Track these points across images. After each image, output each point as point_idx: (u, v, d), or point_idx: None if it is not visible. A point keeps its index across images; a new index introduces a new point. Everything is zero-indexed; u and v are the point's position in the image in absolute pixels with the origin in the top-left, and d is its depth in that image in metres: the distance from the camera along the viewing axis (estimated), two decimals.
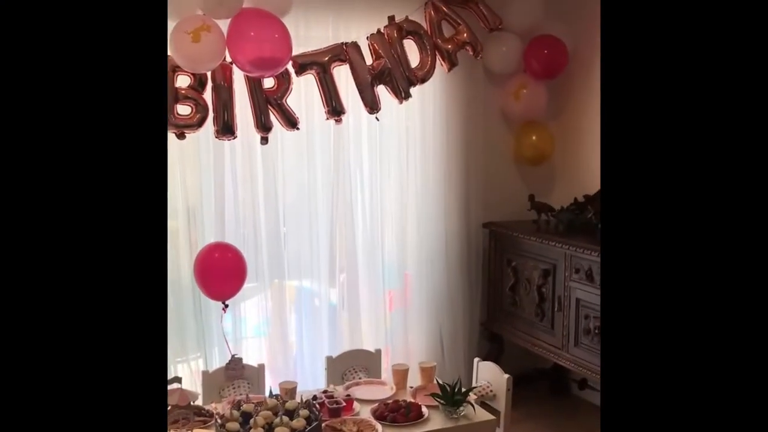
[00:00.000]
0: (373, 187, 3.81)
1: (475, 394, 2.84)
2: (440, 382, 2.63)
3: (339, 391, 2.79)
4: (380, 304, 3.88)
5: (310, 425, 2.35)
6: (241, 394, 2.81)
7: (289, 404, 2.47)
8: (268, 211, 3.57)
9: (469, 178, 4.00)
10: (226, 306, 3.01)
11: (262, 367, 2.99)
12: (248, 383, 2.91)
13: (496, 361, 4.12)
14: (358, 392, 2.80)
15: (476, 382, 3.01)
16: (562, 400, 4.13)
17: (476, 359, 3.04)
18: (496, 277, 4.00)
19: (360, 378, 3.06)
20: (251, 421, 2.33)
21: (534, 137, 4.05)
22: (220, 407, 2.61)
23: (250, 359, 3.44)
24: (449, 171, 3.95)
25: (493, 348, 4.11)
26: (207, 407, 2.60)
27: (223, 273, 2.97)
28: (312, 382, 3.62)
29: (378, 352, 3.20)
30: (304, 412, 2.41)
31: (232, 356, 2.91)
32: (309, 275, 3.72)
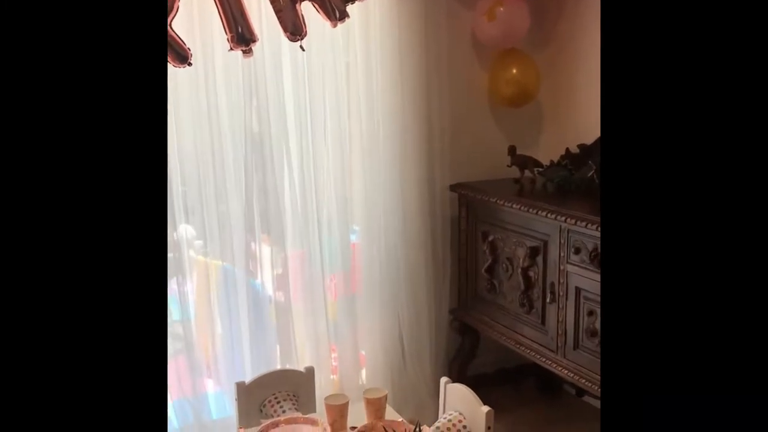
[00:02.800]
0: (303, 144, 2.98)
1: (441, 430, 2.10)
2: None
3: None
4: (319, 292, 3.10)
5: None
6: None
7: None
8: None
9: (430, 127, 3.19)
10: None
11: None
12: None
13: (469, 358, 3.44)
14: None
15: (444, 410, 2.26)
16: (554, 402, 3.45)
17: (444, 380, 2.29)
18: (468, 254, 3.24)
19: (283, 410, 2.29)
20: None
21: (514, 71, 3.24)
22: None
23: None
24: (404, 118, 3.13)
25: (465, 343, 3.39)
26: None
27: None
28: (224, 407, 2.87)
29: (310, 371, 2.43)
30: None
31: None
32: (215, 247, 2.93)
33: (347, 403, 2.12)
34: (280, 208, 2.95)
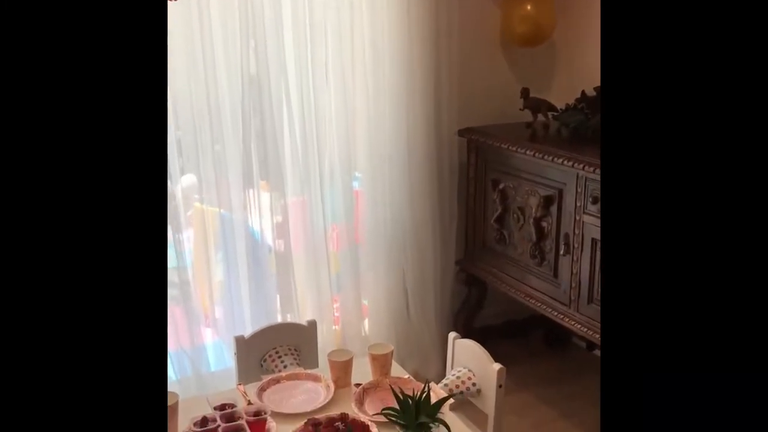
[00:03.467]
0: (303, 86, 2.83)
1: (450, 387, 2.02)
2: (397, 392, 1.77)
3: (250, 396, 1.94)
4: (320, 242, 2.99)
5: None
6: None
7: None
8: None
9: (439, 67, 3.02)
10: None
11: None
12: None
13: (475, 310, 3.36)
14: (276, 396, 1.96)
15: (452, 367, 2.18)
16: (563, 355, 3.39)
17: (452, 335, 2.20)
18: (477, 203, 3.11)
19: (284, 365, 2.21)
20: None
21: (528, 7, 3.05)
22: None
23: None
24: (411, 58, 2.96)
25: (472, 294, 3.30)
26: None
27: None
28: (223, 359, 2.79)
29: (312, 324, 2.34)
30: None
31: None
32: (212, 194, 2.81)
33: (351, 359, 2.03)
34: (279, 154, 2.81)
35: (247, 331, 2.84)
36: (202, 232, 2.83)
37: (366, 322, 3.27)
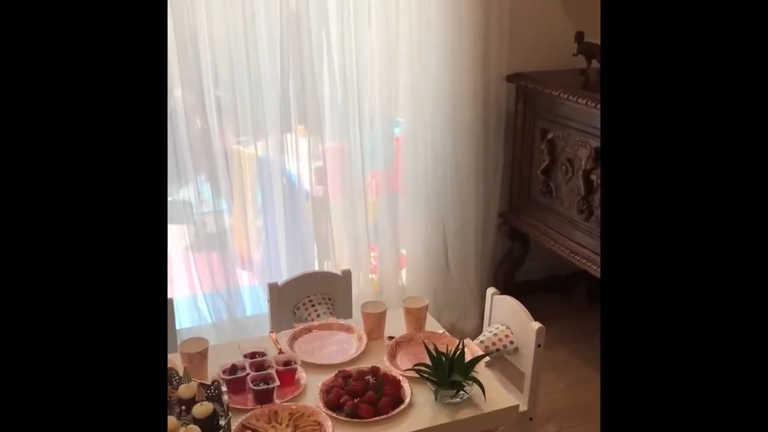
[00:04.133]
0: (344, 27, 2.72)
1: (486, 345, 1.97)
2: (430, 348, 1.73)
3: (282, 345, 1.93)
4: (359, 189, 2.92)
5: (212, 427, 1.51)
6: None
7: (184, 390, 1.61)
8: (186, 56, 2.50)
9: (488, 8, 2.87)
10: None
11: (168, 304, 2.10)
12: None
13: (517, 264, 3.27)
14: (307, 346, 1.94)
15: (489, 323, 2.12)
16: None
17: (490, 290, 2.13)
18: (523, 153, 3.00)
19: (317, 314, 2.19)
20: None
21: None
22: None
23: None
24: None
25: (514, 248, 3.21)
26: None
27: None
28: (258, 304, 2.79)
29: (347, 274, 2.30)
30: (204, 407, 1.54)
31: None
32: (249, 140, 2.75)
33: (385, 311, 1.99)
34: (318, 97, 2.73)
35: (283, 277, 2.83)
36: (239, 175, 2.79)
37: (404, 272, 3.22)
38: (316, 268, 2.93)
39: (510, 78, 2.98)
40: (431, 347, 1.72)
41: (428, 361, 1.75)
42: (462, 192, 3.08)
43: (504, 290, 2.14)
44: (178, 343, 2.09)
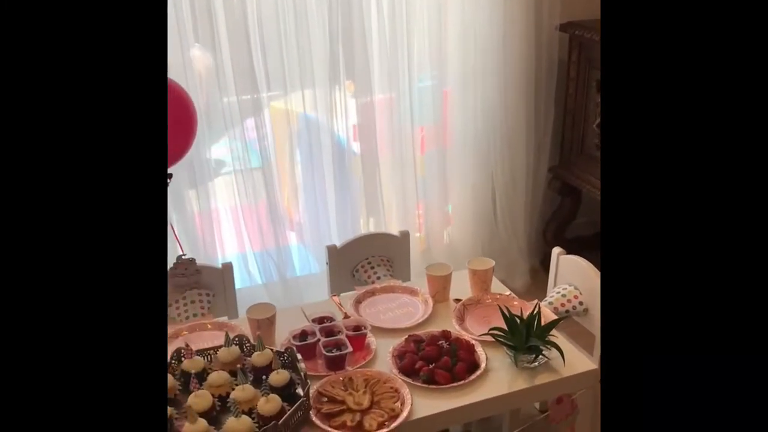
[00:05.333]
0: None
1: (555, 306, 1.94)
2: (505, 310, 1.70)
3: (346, 308, 1.91)
4: (407, 144, 2.87)
5: (290, 399, 1.50)
6: (195, 314, 1.95)
7: (258, 357, 1.60)
8: (231, 5, 2.43)
9: None
10: (169, 176, 2.04)
11: (227, 268, 2.09)
12: (207, 294, 2.03)
13: (567, 220, 3.22)
14: (372, 309, 1.93)
15: (555, 284, 2.09)
16: None
17: (556, 250, 2.09)
18: (577, 106, 2.91)
19: (377, 277, 2.17)
20: (189, 400, 1.47)
21: None
22: None
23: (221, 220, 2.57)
24: None
25: (565, 203, 3.15)
26: None
27: None
28: (307, 264, 2.77)
29: (405, 235, 2.27)
30: (281, 375, 1.54)
31: (179, 256, 2.00)
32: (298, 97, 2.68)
33: (450, 273, 1.96)
34: (366, 51, 2.65)
35: (332, 236, 2.81)
36: (285, 131, 2.74)
37: (450, 229, 3.19)
38: (362, 226, 2.91)
39: (563, 27, 2.87)
40: (505, 310, 1.70)
41: (498, 325, 1.74)
42: (512, 146, 3.01)
43: (553, 247, 2.10)
44: (238, 307, 2.10)
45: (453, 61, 2.85)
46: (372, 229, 2.88)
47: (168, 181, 2.02)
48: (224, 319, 2.06)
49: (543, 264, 3.30)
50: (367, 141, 2.82)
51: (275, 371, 1.54)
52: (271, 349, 1.63)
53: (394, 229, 2.92)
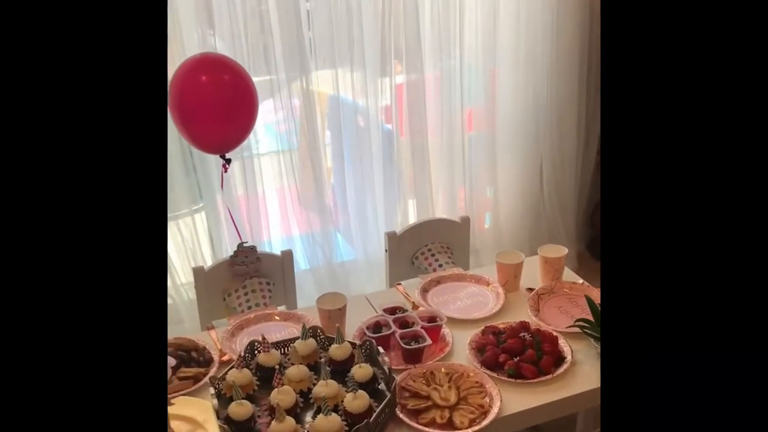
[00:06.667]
0: None
1: None
2: (591, 300, 1.64)
3: (414, 298, 1.86)
4: (456, 126, 2.80)
5: (373, 395, 1.45)
6: (256, 304, 1.90)
7: (337, 350, 1.55)
8: None
9: None
10: (228, 162, 1.98)
11: (287, 256, 2.04)
12: (268, 283, 1.98)
13: None
14: (440, 298, 1.88)
15: None
16: None
17: None
18: None
19: (439, 264, 2.11)
20: (272, 396, 1.42)
21: None
22: (218, 339, 1.71)
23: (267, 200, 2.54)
24: None
25: None
26: (199, 342, 1.69)
27: (216, 110, 1.87)
28: (349, 249, 2.72)
29: (465, 221, 2.22)
30: (364, 369, 1.48)
31: (240, 244, 1.95)
32: (347, 79, 2.60)
33: (522, 262, 1.91)
34: (417, 31, 2.57)
35: (378, 220, 2.76)
36: (336, 114, 2.66)
37: (497, 212, 3.13)
38: (410, 211, 2.85)
39: None
40: (590, 302, 1.64)
41: (575, 315, 1.69)
42: (562, 127, 2.94)
43: (599, 232, 2.04)
44: (298, 297, 2.05)
45: (504, 40, 2.77)
46: (415, 214, 2.82)
47: (227, 167, 1.96)
48: (282, 308, 2.02)
49: (589, 248, 3.25)
50: (415, 120, 2.74)
51: (357, 365, 1.49)
52: (351, 342, 1.58)
53: (439, 214, 2.87)
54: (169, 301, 2.54)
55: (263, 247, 2.58)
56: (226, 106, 1.81)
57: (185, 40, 2.28)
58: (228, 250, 2.57)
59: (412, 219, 2.83)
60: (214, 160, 2.41)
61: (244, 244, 1.94)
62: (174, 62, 2.26)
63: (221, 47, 2.35)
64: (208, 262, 2.55)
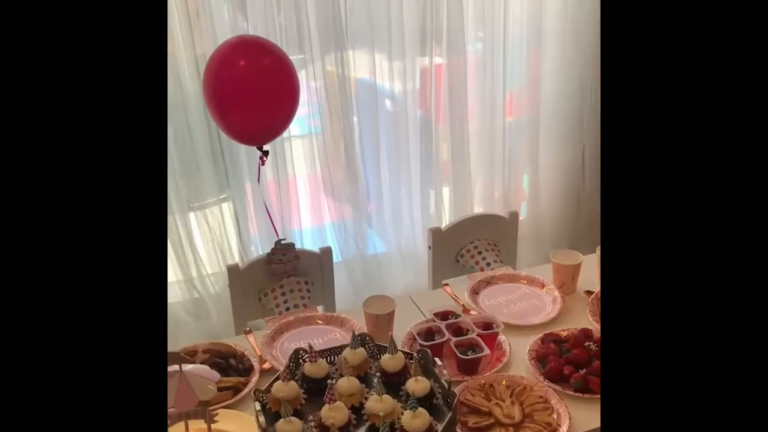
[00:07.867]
0: None
1: None
2: None
3: (463, 300, 1.75)
4: (498, 111, 2.67)
5: (430, 411, 1.35)
6: (295, 305, 1.80)
7: (390, 361, 1.44)
8: None
9: None
10: (266, 153, 1.86)
11: (326, 253, 1.93)
12: (306, 283, 1.87)
13: None
14: (492, 301, 1.77)
15: None
16: None
17: None
18: None
19: (486, 263, 2.00)
20: (324, 413, 1.31)
21: None
22: (257, 344, 1.60)
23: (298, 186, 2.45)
24: None
25: None
26: (237, 348, 1.59)
27: (254, 99, 1.74)
28: (391, 239, 2.61)
29: (513, 216, 2.10)
30: (421, 383, 1.37)
31: (278, 242, 1.84)
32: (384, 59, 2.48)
33: (580, 263, 1.79)
34: (461, 16, 2.44)
35: (414, 210, 2.64)
36: (371, 102, 2.54)
37: (536, 202, 3.01)
38: (446, 201, 2.73)
39: None
40: None
41: None
42: None
43: None
44: (336, 300, 1.95)
45: (549, 23, 2.64)
46: (451, 205, 2.71)
47: (264, 159, 1.85)
48: (320, 308, 1.92)
49: None
50: (456, 106, 2.61)
51: (414, 378, 1.38)
52: (402, 351, 1.47)
53: (476, 203, 2.75)
54: (195, 294, 2.45)
55: (293, 237, 2.47)
56: (268, 95, 1.69)
57: (215, 16, 2.16)
58: (256, 241, 2.47)
59: (448, 208, 2.72)
60: (243, 147, 2.30)
61: (282, 242, 1.83)
62: (203, 39, 2.15)
63: (251, 28, 2.23)
64: (235, 253, 2.45)
